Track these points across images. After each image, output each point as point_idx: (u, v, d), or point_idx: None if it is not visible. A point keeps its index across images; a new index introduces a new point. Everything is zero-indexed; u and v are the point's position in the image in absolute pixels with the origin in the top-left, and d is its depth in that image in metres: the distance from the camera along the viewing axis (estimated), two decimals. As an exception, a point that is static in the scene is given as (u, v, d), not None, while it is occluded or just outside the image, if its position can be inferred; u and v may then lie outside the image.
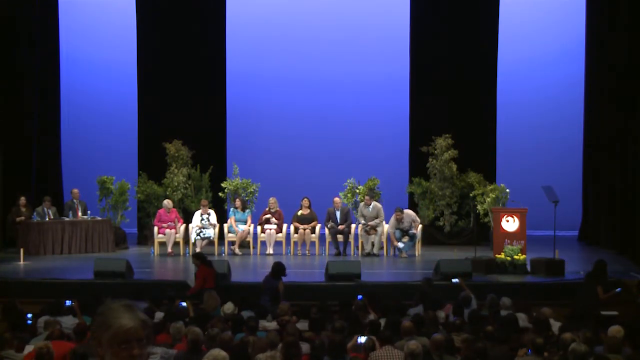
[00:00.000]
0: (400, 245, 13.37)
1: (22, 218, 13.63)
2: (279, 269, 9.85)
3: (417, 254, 13.60)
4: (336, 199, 14.12)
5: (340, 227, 13.64)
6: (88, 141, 17.27)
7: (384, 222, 13.63)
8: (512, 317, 7.93)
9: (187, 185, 15.39)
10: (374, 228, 13.51)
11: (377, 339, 6.76)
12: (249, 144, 17.19)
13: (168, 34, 16.10)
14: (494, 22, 15.82)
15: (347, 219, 13.78)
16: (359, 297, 9.26)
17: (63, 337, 6.39)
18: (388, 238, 13.68)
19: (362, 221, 13.62)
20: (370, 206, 13.67)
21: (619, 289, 9.85)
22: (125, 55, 16.58)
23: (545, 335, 6.60)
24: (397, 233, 13.50)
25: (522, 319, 7.98)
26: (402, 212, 13.63)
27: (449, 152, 15.12)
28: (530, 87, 17.12)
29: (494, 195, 14.26)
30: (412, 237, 13.48)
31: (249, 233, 13.77)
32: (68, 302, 8.66)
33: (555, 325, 7.60)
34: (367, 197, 13.82)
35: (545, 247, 12.25)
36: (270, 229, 13.66)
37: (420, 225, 13.77)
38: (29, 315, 7.96)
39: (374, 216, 13.60)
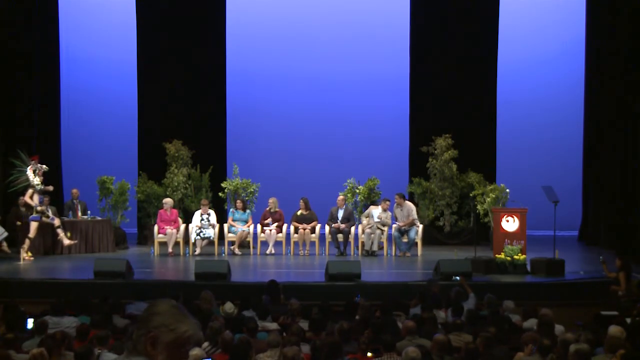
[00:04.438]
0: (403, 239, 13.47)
1: (19, 224, 13.62)
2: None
3: (417, 254, 13.60)
4: (340, 197, 14.12)
5: (342, 225, 13.62)
6: (88, 141, 17.27)
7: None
8: (513, 317, 7.92)
9: (187, 185, 15.39)
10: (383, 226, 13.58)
11: (377, 344, 6.74)
12: (249, 144, 17.20)
13: (168, 34, 16.10)
14: (494, 22, 15.83)
15: (349, 218, 13.77)
16: (357, 296, 9.27)
17: (65, 339, 6.37)
18: (389, 238, 13.68)
19: (367, 221, 13.60)
20: (379, 211, 13.69)
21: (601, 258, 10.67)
22: (125, 55, 16.58)
23: (550, 338, 6.59)
24: (397, 233, 13.50)
25: (533, 324, 7.85)
26: (403, 198, 13.69)
27: (449, 152, 15.12)
28: (530, 87, 17.12)
29: (494, 195, 14.26)
30: (410, 236, 13.46)
31: (248, 233, 13.77)
32: None
33: (556, 327, 7.59)
34: (385, 202, 13.78)
35: (545, 247, 12.24)
36: (270, 229, 13.67)
37: (420, 226, 13.75)
38: (30, 320, 7.87)
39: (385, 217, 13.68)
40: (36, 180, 12.69)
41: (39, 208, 12.70)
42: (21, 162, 13.03)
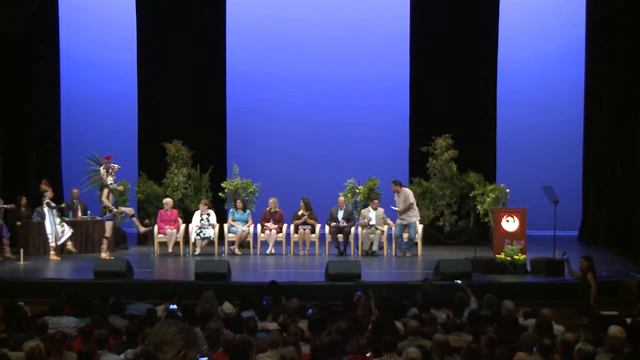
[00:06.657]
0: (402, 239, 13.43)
1: (19, 224, 13.61)
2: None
3: (417, 254, 13.59)
4: (341, 198, 14.12)
5: (342, 222, 13.63)
6: (88, 141, 17.23)
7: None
8: (512, 317, 7.92)
9: (187, 185, 15.39)
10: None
11: (377, 344, 6.74)
12: (249, 144, 17.20)
13: (168, 34, 16.11)
14: (494, 22, 15.82)
15: (350, 218, 13.77)
16: (358, 292, 9.24)
17: (65, 339, 6.37)
18: (389, 238, 13.67)
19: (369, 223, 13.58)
20: (371, 212, 13.69)
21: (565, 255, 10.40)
22: (125, 55, 16.59)
23: (549, 338, 6.58)
24: (398, 230, 13.46)
25: (533, 323, 7.83)
26: (399, 185, 13.61)
27: (449, 152, 15.12)
28: (530, 87, 17.12)
29: (494, 195, 14.26)
30: (411, 234, 13.44)
31: (248, 233, 13.77)
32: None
33: (556, 327, 7.59)
34: (373, 203, 13.77)
35: (545, 247, 12.24)
36: (271, 229, 13.67)
37: (420, 225, 13.75)
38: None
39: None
40: (109, 180, 12.88)
41: (114, 210, 12.92)
42: (95, 162, 13.28)
